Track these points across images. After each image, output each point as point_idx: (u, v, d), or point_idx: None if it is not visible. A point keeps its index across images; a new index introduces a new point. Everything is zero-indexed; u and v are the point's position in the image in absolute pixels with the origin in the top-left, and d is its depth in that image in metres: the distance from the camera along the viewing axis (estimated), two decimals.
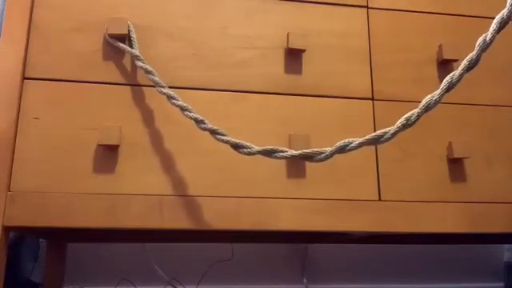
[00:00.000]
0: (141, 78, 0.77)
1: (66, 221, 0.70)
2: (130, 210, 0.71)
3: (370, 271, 1.29)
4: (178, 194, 0.74)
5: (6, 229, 0.69)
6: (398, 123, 0.63)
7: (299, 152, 0.66)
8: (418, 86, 0.85)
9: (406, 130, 0.64)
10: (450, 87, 0.63)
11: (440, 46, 0.87)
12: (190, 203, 0.73)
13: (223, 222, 0.74)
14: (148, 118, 0.76)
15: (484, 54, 0.63)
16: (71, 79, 0.75)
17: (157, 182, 0.74)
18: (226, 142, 0.68)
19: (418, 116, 0.63)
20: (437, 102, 0.62)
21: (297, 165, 0.78)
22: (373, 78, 0.84)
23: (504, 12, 0.62)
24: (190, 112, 0.70)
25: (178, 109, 0.71)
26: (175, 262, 1.20)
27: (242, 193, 0.75)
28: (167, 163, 0.75)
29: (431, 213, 0.80)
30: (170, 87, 0.75)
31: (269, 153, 0.67)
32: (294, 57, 0.82)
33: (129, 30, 0.77)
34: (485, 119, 0.87)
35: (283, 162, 0.78)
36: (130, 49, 0.75)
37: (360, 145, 0.64)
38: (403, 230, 0.79)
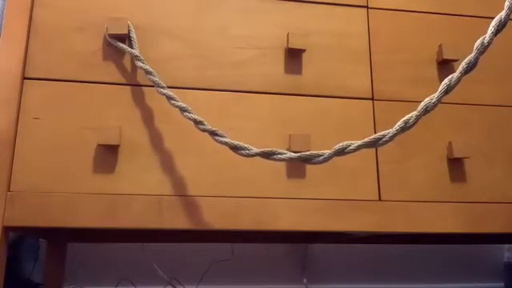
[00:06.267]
0: (141, 78, 0.77)
1: (66, 221, 0.70)
2: (129, 210, 0.71)
3: (370, 271, 1.29)
4: (178, 193, 0.74)
5: (6, 229, 0.69)
6: (397, 126, 0.63)
7: (298, 155, 0.66)
8: (418, 86, 0.85)
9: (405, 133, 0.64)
10: (448, 90, 0.63)
11: (440, 46, 0.87)
12: (189, 203, 0.73)
13: (223, 222, 0.74)
14: (148, 117, 0.76)
15: (484, 54, 0.63)
16: (71, 79, 0.75)
17: (156, 182, 0.74)
18: (225, 143, 0.68)
19: (417, 119, 0.63)
20: (435, 104, 0.63)
21: (297, 165, 0.78)
22: (373, 78, 0.84)
23: (502, 15, 0.62)
24: (190, 113, 0.70)
25: (178, 109, 0.71)
26: (175, 262, 1.20)
27: (242, 193, 0.75)
28: (167, 163, 0.75)
29: (431, 213, 0.80)
30: (170, 87, 0.75)
31: (267, 155, 0.67)
32: (293, 57, 0.82)
33: (129, 30, 0.77)
34: (485, 119, 0.87)
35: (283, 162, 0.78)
36: (129, 49, 0.75)
37: (358, 147, 0.64)
38: (403, 230, 0.79)
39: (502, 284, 1.34)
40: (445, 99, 0.64)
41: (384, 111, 0.83)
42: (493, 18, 0.63)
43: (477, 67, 0.63)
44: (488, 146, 0.86)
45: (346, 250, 1.29)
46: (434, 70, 0.87)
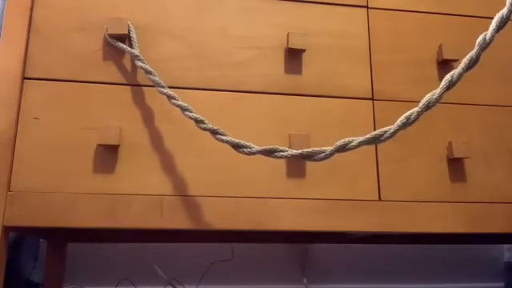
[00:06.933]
0: (141, 77, 0.77)
1: (65, 221, 0.70)
2: (130, 210, 0.71)
3: (370, 271, 1.29)
4: (178, 193, 0.74)
5: (6, 229, 0.69)
6: (398, 122, 0.63)
7: (299, 151, 0.66)
8: (417, 86, 0.85)
9: (406, 129, 0.64)
10: (450, 86, 0.63)
11: (440, 46, 0.87)
12: (190, 203, 0.73)
13: (223, 222, 0.74)
14: (148, 117, 0.76)
15: (484, 54, 0.63)
16: (71, 79, 0.75)
17: (157, 182, 0.74)
18: (226, 141, 0.68)
19: (418, 115, 0.63)
20: (437, 100, 0.62)
21: (297, 165, 0.78)
22: (373, 77, 0.84)
23: (504, 11, 0.62)
24: (190, 112, 0.70)
25: (179, 109, 0.71)
26: (175, 261, 1.20)
27: (242, 193, 0.75)
28: (167, 163, 0.75)
29: (431, 213, 0.80)
30: (170, 87, 0.75)
31: (269, 152, 0.67)
32: (293, 57, 0.82)
33: (129, 30, 0.77)
34: (485, 119, 0.87)
35: (283, 161, 0.78)
36: (129, 49, 0.75)
37: (360, 144, 0.64)
38: (403, 230, 0.79)
39: (502, 284, 1.34)
40: (445, 99, 0.65)
41: (384, 111, 0.83)
42: (493, 18, 0.63)
43: (478, 65, 0.63)
44: (488, 146, 0.86)
45: (345, 250, 1.29)
46: (434, 70, 0.87)
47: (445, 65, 0.87)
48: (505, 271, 1.34)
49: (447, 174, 0.83)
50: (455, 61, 0.86)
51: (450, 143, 0.83)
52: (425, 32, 0.88)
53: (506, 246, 1.35)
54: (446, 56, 0.85)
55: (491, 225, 0.81)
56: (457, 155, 0.82)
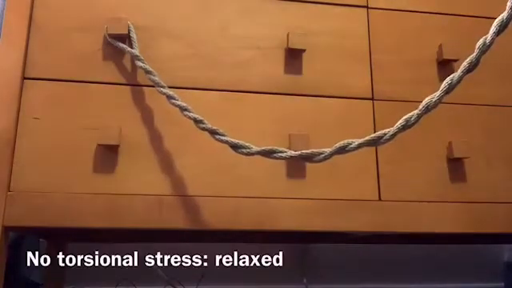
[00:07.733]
0: (141, 78, 0.77)
1: (66, 221, 0.70)
2: (129, 210, 0.71)
3: (370, 271, 1.29)
4: (178, 194, 0.74)
5: (6, 229, 0.69)
6: (398, 124, 0.63)
7: (298, 153, 0.66)
8: (417, 86, 0.85)
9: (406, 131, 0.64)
10: (449, 89, 0.63)
11: (440, 46, 0.86)
12: (189, 203, 0.73)
13: (223, 222, 0.74)
14: (148, 117, 0.76)
15: (485, 54, 0.63)
16: (71, 79, 0.75)
17: (156, 182, 0.74)
18: (225, 142, 0.68)
19: (418, 117, 0.63)
20: (436, 103, 0.63)
21: (297, 165, 0.78)
22: (373, 78, 0.84)
23: (504, 15, 0.62)
24: (190, 112, 0.70)
25: (178, 109, 0.71)
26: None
27: (242, 193, 0.75)
28: (167, 163, 0.75)
29: (431, 213, 0.80)
30: (170, 87, 0.74)
31: (268, 153, 0.67)
32: (294, 57, 0.82)
33: (129, 30, 0.77)
34: (485, 119, 0.87)
35: (283, 162, 0.78)
36: (129, 49, 0.75)
37: (359, 146, 0.64)
38: (403, 230, 0.79)
39: (502, 284, 1.34)
40: (445, 99, 0.64)
41: (384, 111, 0.83)
42: (493, 19, 0.63)
43: (478, 67, 0.63)
44: (488, 146, 0.85)
45: (345, 250, 1.28)
46: (434, 70, 0.87)
47: (445, 65, 0.87)
48: (505, 271, 1.34)
49: (447, 174, 0.83)
50: (455, 61, 0.86)
51: (449, 143, 0.83)
52: (425, 32, 0.88)
53: (506, 246, 1.35)
54: (446, 56, 0.85)
55: (491, 225, 0.81)
56: (457, 155, 0.82)
